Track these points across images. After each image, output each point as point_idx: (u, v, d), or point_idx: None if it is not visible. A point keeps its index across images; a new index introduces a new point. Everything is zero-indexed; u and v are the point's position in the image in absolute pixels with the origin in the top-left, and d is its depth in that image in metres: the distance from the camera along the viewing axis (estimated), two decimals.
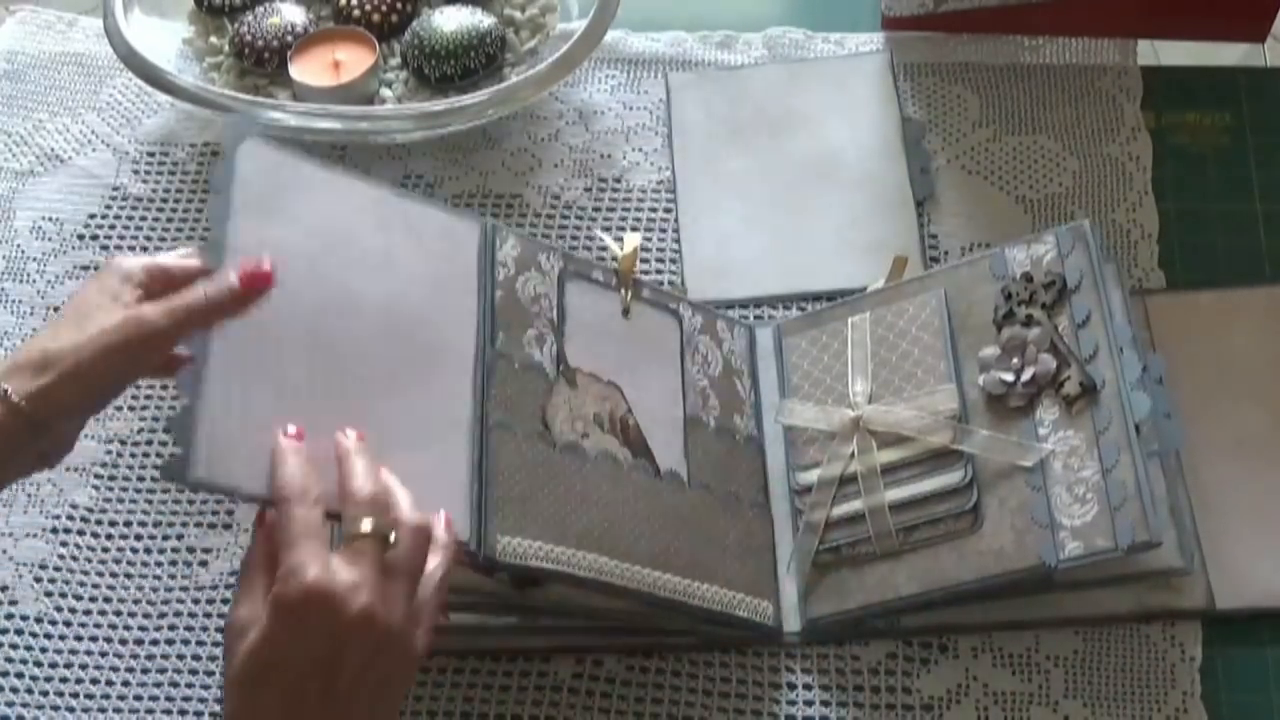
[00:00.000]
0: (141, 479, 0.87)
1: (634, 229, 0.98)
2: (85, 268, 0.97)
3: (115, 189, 1.01)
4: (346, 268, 0.71)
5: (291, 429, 0.64)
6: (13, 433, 0.62)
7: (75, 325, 0.62)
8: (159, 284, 0.65)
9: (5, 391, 0.61)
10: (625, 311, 0.83)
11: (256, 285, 0.64)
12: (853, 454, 0.81)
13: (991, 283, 0.83)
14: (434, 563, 0.63)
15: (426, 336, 0.73)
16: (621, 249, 0.85)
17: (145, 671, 0.81)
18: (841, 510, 0.81)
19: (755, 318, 0.93)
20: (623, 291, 0.83)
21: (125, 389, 0.66)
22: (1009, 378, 0.79)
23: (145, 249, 0.98)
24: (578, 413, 0.77)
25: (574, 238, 0.97)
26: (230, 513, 0.86)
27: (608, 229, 0.98)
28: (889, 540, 0.79)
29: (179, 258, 0.66)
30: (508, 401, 0.74)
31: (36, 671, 0.81)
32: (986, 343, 0.81)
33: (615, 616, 0.77)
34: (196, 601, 0.83)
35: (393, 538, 0.61)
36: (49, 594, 0.84)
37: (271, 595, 0.58)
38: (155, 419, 0.90)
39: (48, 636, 0.83)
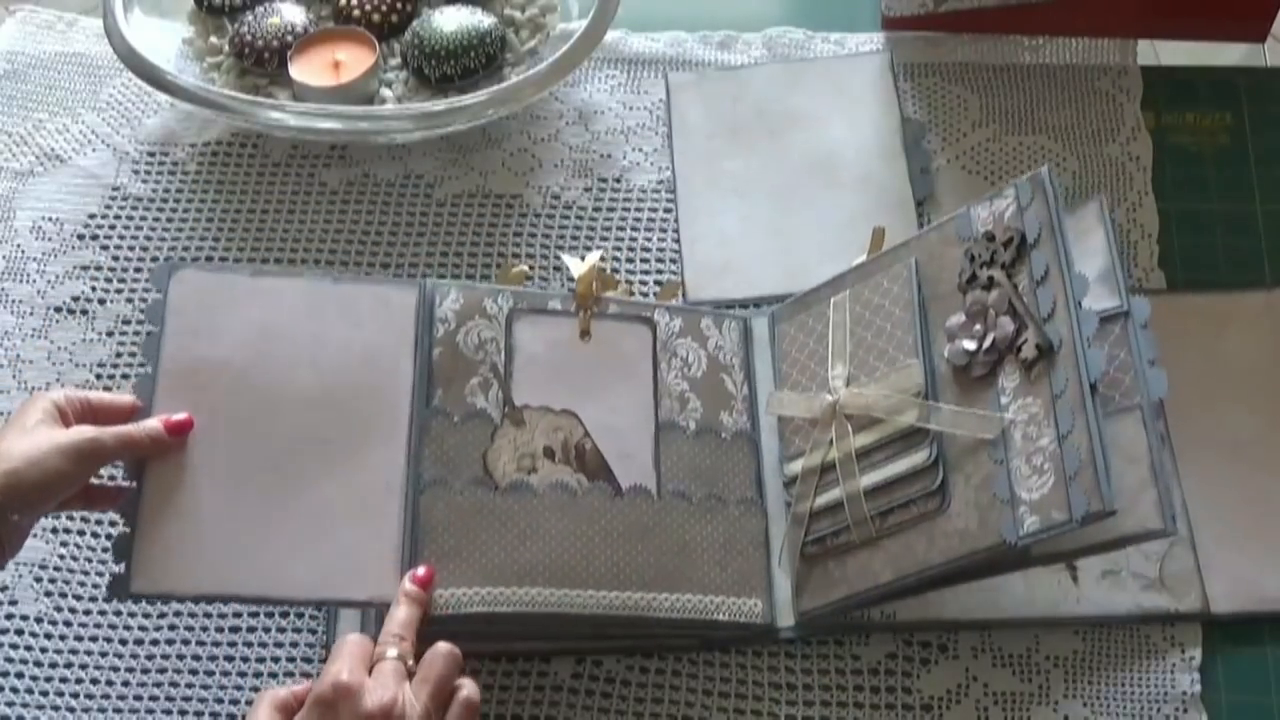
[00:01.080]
0: None
1: (634, 229, 0.98)
2: (85, 268, 0.97)
3: (115, 189, 1.01)
4: (276, 367, 0.77)
5: (421, 571, 0.72)
6: None
7: (22, 435, 0.70)
8: (79, 415, 0.73)
9: None
10: (584, 334, 0.83)
11: (179, 431, 0.73)
12: (831, 440, 0.80)
13: (958, 245, 0.80)
14: (467, 685, 0.69)
15: (362, 412, 0.76)
16: (583, 265, 0.85)
17: (145, 671, 0.81)
18: (824, 499, 0.80)
19: None
20: (581, 314, 0.84)
21: (69, 492, 0.71)
22: (971, 346, 0.76)
23: (145, 249, 0.98)
24: (524, 450, 0.78)
25: (574, 238, 0.97)
26: None
27: (608, 229, 0.98)
28: (866, 527, 0.77)
29: (108, 396, 0.75)
30: (444, 456, 0.76)
31: (36, 671, 0.81)
32: (954, 310, 0.78)
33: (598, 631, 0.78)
34: (196, 601, 0.83)
35: (409, 662, 0.68)
36: (49, 594, 0.84)
37: (311, 693, 0.66)
38: None
39: (48, 636, 0.83)
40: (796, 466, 0.82)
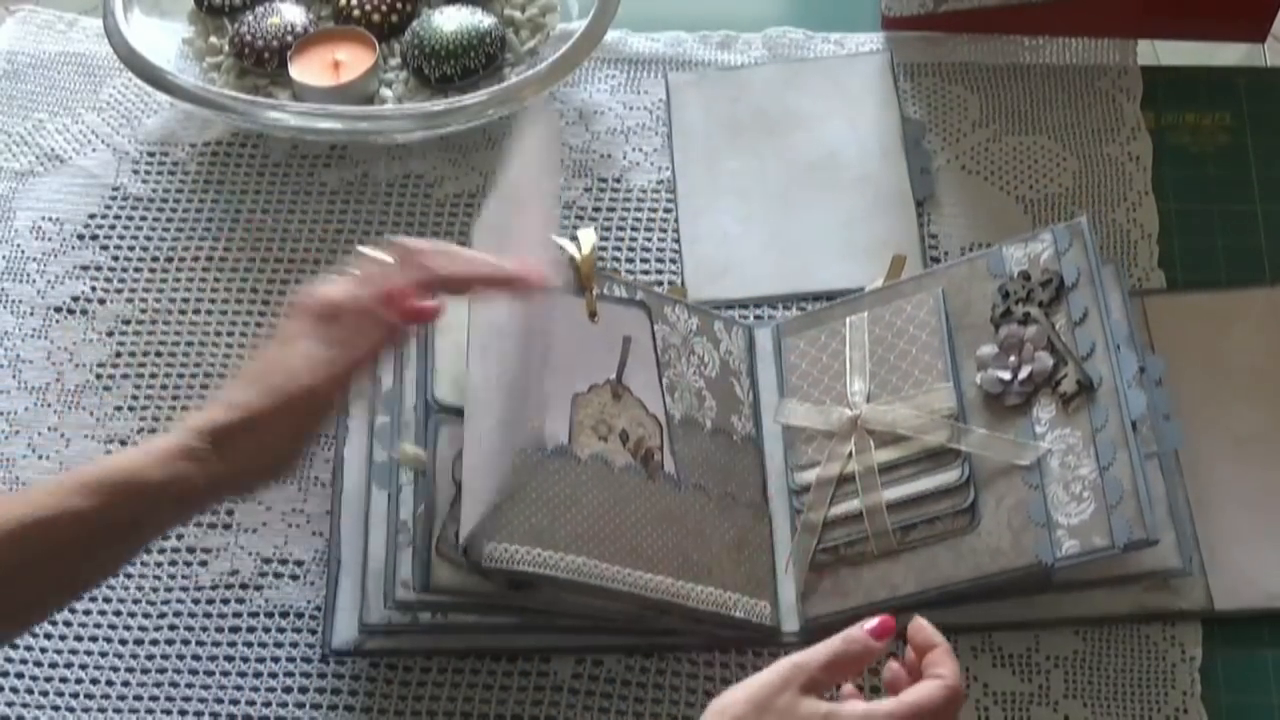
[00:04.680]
0: None
1: (634, 229, 0.98)
2: (85, 268, 0.97)
3: (115, 189, 1.01)
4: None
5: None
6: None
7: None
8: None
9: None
10: (592, 315, 0.83)
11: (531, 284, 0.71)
12: (850, 453, 0.81)
13: (989, 281, 0.83)
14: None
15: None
16: (584, 246, 0.85)
17: (145, 671, 0.81)
18: (839, 510, 0.81)
19: (755, 318, 0.93)
20: (586, 295, 0.84)
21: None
22: (1006, 376, 0.79)
23: (145, 249, 0.98)
24: (607, 420, 0.79)
25: (574, 238, 0.97)
26: (230, 513, 0.86)
27: (608, 229, 0.98)
28: (887, 539, 0.79)
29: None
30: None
31: (36, 671, 0.81)
32: (984, 341, 0.81)
33: (612, 617, 0.77)
34: (196, 601, 0.83)
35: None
36: None
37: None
38: (155, 419, 0.90)
39: (48, 636, 0.83)
40: (809, 476, 0.82)
